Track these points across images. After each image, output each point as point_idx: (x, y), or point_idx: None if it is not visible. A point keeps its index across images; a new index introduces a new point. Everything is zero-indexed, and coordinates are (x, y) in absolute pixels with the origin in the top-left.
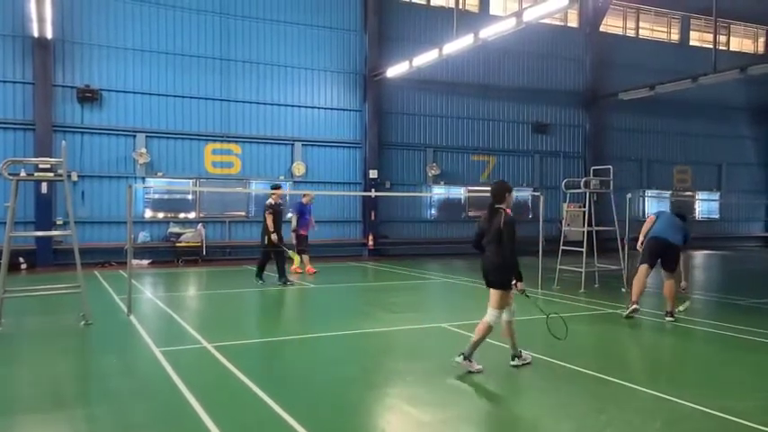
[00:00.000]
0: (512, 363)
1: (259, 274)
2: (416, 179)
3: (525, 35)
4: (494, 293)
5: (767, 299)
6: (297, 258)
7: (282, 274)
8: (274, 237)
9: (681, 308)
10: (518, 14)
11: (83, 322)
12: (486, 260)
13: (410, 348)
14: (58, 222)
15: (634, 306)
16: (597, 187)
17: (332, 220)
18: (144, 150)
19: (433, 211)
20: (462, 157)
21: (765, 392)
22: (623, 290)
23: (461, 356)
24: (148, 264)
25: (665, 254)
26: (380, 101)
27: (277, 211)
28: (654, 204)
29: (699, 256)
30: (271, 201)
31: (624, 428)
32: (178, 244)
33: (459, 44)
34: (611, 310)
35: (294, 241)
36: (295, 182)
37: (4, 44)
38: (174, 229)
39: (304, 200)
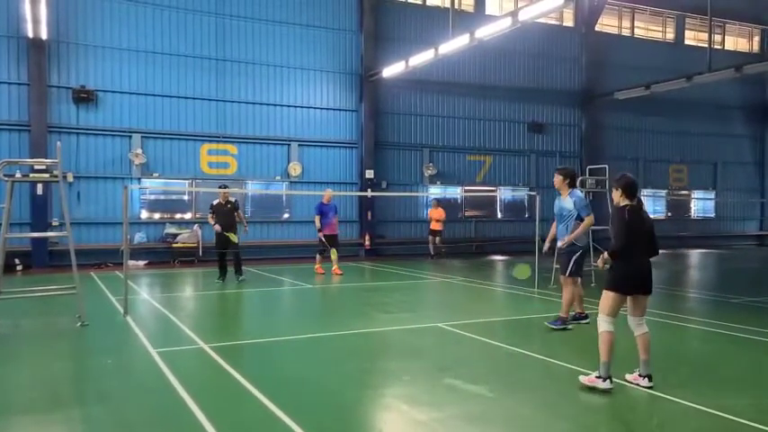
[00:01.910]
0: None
1: (237, 272)
2: (413, 179)
3: (521, 35)
4: (646, 300)
5: (762, 297)
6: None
7: (221, 273)
8: (217, 228)
9: None
10: (513, 14)
11: (79, 323)
12: (646, 265)
13: (407, 348)
14: (54, 223)
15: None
16: (593, 186)
17: None
18: (140, 151)
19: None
20: (458, 157)
21: (760, 390)
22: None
23: (645, 378)
24: (145, 265)
25: None
26: (376, 101)
27: (218, 211)
28: (650, 203)
29: (694, 255)
30: (213, 201)
31: (620, 427)
32: (174, 245)
33: (454, 44)
34: None
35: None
36: (291, 182)
37: None
38: (171, 229)
39: (323, 199)
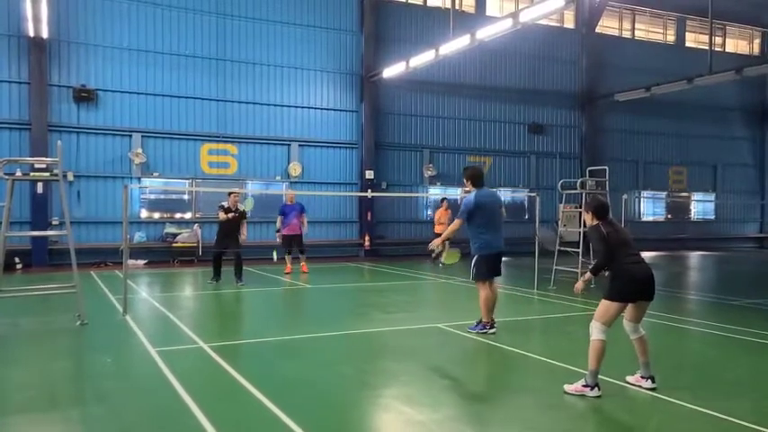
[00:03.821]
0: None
1: (236, 275)
2: (413, 180)
3: (521, 36)
4: (648, 305)
5: (762, 299)
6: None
7: (215, 273)
8: (229, 216)
9: None
10: (514, 15)
11: (78, 322)
12: (644, 270)
13: (406, 348)
14: (54, 222)
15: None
16: (593, 188)
17: (328, 221)
18: (140, 150)
19: (429, 212)
20: (458, 158)
21: (761, 393)
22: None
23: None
24: (144, 264)
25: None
26: (377, 101)
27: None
28: (650, 205)
29: (694, 257)
30: (223, 203)
31: (620, 428)
32: (174, 244)
33: (455, 45)
34: None
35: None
36: (291, 182)
37: None
38: (170, 229)
39: (287, 200)
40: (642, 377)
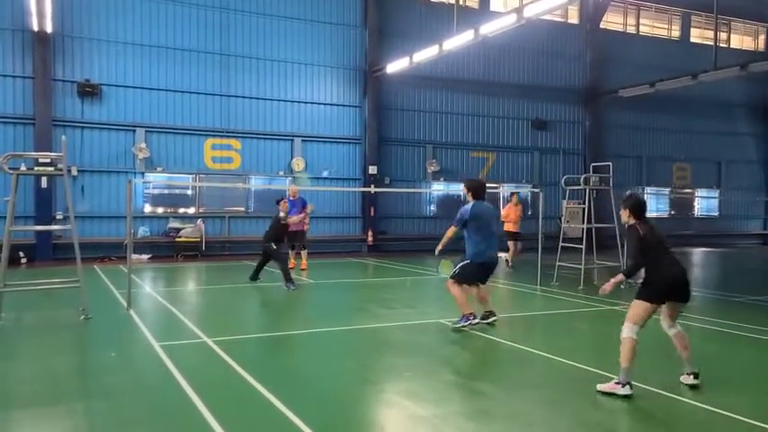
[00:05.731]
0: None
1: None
2: (416, 175)
3: (525, 31)
4: (682, 306)
5: (764, 296)
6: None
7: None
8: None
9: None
10: (518, 10)
11: (82, 316)
12: (679, 272)
13: (408, 344)
14: (58, 217)
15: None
16: (597, 184)
17: (331, 216)
18: (144, 145)
19: (432, 208)
20: (462, 154)
21: (762, 389)
22: (622, 287)
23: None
24: (148, 259)
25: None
26: (380, 97)
27: (276, 221)
28: (653, 201)
29: (698, 254)
30: (281, 214)
31: (620, 424)
32: (178, 239)
33: (459, 40)
34: (609, 307)
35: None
36: (295, 177)
37: (3, 38)
38: (174, 224)
39: (289, 195)
40: (687, 374)
